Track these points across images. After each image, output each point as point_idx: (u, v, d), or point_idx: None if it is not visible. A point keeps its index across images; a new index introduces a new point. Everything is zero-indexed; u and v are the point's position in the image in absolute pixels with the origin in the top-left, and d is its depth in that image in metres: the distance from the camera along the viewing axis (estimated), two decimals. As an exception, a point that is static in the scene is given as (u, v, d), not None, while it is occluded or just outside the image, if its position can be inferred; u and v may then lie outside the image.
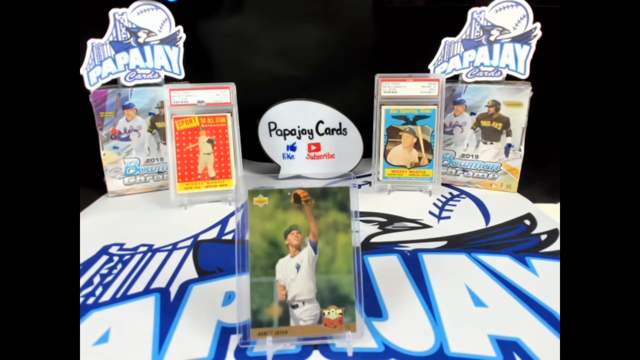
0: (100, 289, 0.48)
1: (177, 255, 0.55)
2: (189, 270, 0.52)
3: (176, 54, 0.72)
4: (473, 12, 0.70)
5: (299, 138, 0.79)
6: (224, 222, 0.64)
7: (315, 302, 0.37)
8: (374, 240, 0.58)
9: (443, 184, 0.76)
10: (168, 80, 0.73)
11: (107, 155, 0.72)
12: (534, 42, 0.68)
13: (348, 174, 0.43)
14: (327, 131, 0.78)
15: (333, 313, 0.37)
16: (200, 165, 0.68)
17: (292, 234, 0.38)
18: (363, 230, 0.60)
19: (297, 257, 0.38)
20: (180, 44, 0.72)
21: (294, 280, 0.37)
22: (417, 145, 0.72)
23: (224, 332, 0.41)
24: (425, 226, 0.62)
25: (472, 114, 0.74)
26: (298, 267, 0.38)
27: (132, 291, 0.48)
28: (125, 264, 0.53)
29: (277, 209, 0.38)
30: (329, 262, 0.38)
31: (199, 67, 0.84)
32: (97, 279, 0.50)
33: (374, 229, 0.61)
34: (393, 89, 0.71)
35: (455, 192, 0.75)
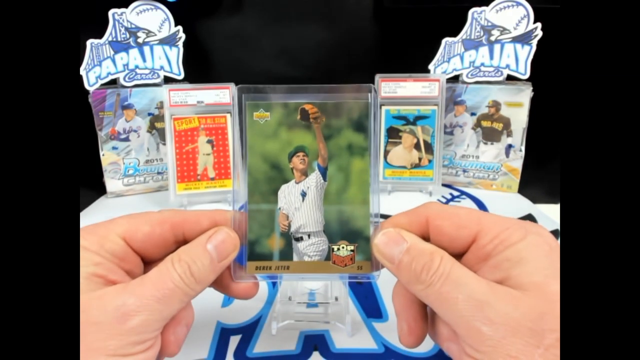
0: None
1: (177, 256, 0.54)
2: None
3: (176, 54, 0.72)
4: (473, 12, 0.70)
5: (299, 138, 0.79)
6: (223, 222, 0.64)
7: (323, 235, 0.32)
8: (374, 240, 0.58)
9: (443, 185, 0.76)
10: (167, 80, 0.73)
11: (107, 155, 0.72)
12: (534, 42, 0.68)
13: (367, 86, 0.35)
14: (327, 131, 0.78)
15: (344, 249, 0.31)
16: (199, 165, 0.68)
17: (298, 156, 0.32)
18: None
19: (303, 183, 0.32)
20: (180, 44, 0.72)
21: (298, 210, 0.32)
22: (417, 146, 0.71)
23: (224, 334, 0.41)
24: (425, 227, 0.62)
25: (473, 114, 0.74)
26: (304, 195, 0.32)
27: (131, 292, 0.47)
28: (124, 264, 0.53)
29: (280, 126, 0.33)
30: (340, 191, 0.32)
31: (199, 68, 0.84)
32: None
33: (374, 229, 0.61)
34: (393, 89, 0.71)
35: (455, 193, 0.75)
